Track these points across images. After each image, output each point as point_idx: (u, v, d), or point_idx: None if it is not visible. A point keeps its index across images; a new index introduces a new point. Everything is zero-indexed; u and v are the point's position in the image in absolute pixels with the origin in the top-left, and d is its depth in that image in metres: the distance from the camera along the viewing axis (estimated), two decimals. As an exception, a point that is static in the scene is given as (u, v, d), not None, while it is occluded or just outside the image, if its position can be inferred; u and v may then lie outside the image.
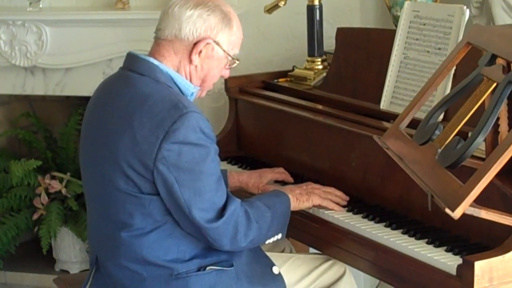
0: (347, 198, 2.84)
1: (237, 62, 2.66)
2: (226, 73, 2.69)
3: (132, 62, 2.57)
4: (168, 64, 2.55)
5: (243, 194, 2.95)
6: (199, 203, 2.43)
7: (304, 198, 2.77)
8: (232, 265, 2.56)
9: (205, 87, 2.65)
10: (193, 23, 2.53)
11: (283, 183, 3.05)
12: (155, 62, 2.53)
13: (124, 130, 2.44)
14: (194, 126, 2.40)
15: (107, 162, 2.48)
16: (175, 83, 2.54)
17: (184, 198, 2.41)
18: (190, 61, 2.56)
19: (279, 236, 2.68)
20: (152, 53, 2.57)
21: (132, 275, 2.53)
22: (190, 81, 2.59)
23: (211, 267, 2.53)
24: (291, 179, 3.05)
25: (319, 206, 2.81)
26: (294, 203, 2.74)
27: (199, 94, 2.65)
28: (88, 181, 2.62)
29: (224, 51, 2.59)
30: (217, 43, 2.57)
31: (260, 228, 2.57)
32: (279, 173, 3.05)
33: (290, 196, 2.73)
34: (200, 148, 2.42)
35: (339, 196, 2.83)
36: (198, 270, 2.52)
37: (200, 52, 2.55)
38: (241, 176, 3.02)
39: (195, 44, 2.54)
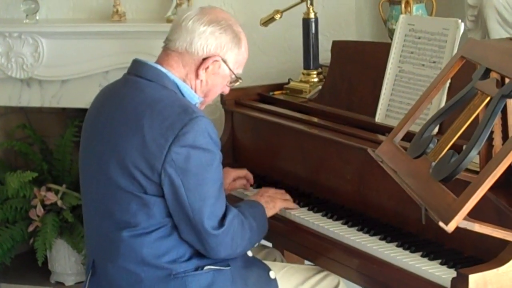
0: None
1: (240, 81, 2.71)
2: (226, 90, 2.74)
3: (140, 68, 2.61)
4: (176, 74, 2.59)
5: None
6: (203, 209, 2.47)
7: (270, 205, 2.85)
8: (228, 265, 2.59)
9: (205, 101, 2.71)
10: (205, 39, 2.58)
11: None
12: (163, 69, 2.58)
13: (134, 133, 2.47)
14: (203, 131, 2.45)
15: (113, 163, 2.50)
16: (180, 91, 2.58)
17: (189, 202, 2.45)
18: (197, 75, 2.60)
19: (256, 245, 2.75)
20: (160, 62, 2.61)
21: (130, 276, 2.54)
22: (195, 93, 2.64)
23: (208, 266, 2.55)
24: (251, 177, 3.13)
25: (285, 209, 2.91)
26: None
27: (199, 107, 2.67)
28: (89, 182, 2.64)
29: (229, 69, 2.64)
30: (225, 61, 2.62)
31: (251, 237, 2.62)
32: (241, 171, 3.12)
33: None
34: (208, 153, 2.47)
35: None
36: (196, 269, 2.54)
37: (207, 68, 2.60)
38: None
39: (204, 59, 2.59)
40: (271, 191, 2.93)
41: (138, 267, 2.52)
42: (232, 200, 2.94)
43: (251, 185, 3.14)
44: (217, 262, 2.57)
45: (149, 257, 2.51)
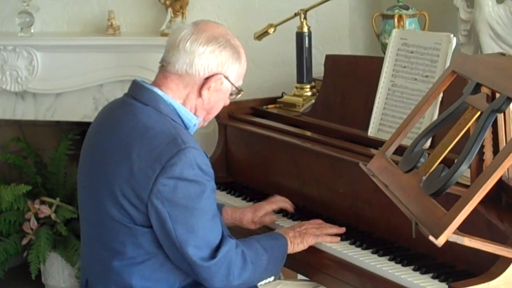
0: (343, 230, 2.81)
1: (241, 93, 2.67)
2: (227, 102, 2.69)
3: (137, 90, 2.56)
4: (175, 97, 2.54)
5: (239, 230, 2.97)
6: (191, 240, 2.42)
7: (298, 240, 2.73)
8: None
9: (208, 118, 2.66)
10: (206, 59, 2.53)
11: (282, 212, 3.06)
12: (160, 92, 2.53)
13: (122, 160, 2.44)
14: (192, 162, 2.40)
15: (103, 190, 2.48)
16: (178, 114, 2.54)
17: (176, 234, 2.41)
18: (199, 95, 2.56)
19: (272, 278, 2.68)
20: (158, 84, 2.56)
21: (121, 302, 2.53)
22: (195, 113, 2.59)
23: None
24: (289, 206, 3.03)
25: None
26: (288, 247, 2.70)
27: (201, 124, 2.65)
28: (84, 205, 2.62)
29: (231, 83, 2.60)
30: (227, 77, 2.58)
31: (255, 270, 2.55)
32: (275, 202, 3.02)
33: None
34: (196, 184, 2.42)
35: (334, 231, 2.81)
36: None
37: (210, 86, 2.55)
38: (234, 214, 2.99)
39: (206, 79, 2.54)
40: (308, 225, 2.79)
41: None
42: (262, 230, 2.93)
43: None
44: None
45: (139, 287, 2.49)
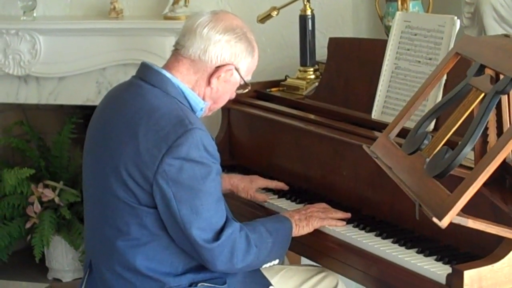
0: (348, 215, 2.80)
1: (249, 87, 2.67)
2: (233, 95, 2.70)
3: (145, 72, 2.57)
4: (184, 81, 2.55)
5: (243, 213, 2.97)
6: (195, 222, 2.42)
7: (304, 223, 2.72)
8: (225, 283, 2.55)
9: (214, 108, 2.66)
10: (221, 47, 2.54)
11: (276, 192, 3.08)
12: (168, 75, 2.53)
13: (129, 140, 2.45)
14: (198, 143, 2.41)
15: (109, 169, 2.48)
16: (185, 97, 2.54)
17: (180, 215, 2.41)
18: (208, 83, 2.56)
19: (276, 261, 2.66)
20: (168, 67, 2.57)
21: (124, 283, 2.53)
22: (203, 99, 2.59)
23: (203, 283, 2.52)
24: (284, 187, 3.07)
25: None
26: (293, 230, 2.70)
27: (205, 113, 2.65)
28: (89, 185, 2.63)
29: (241, 77, 2.61)
30: (237, 69, 2.58)
31: (259, 253, 2.55)
32: (272, 182, 3.06)
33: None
34: (202, 166, 2.42)
35: (339, 216, 2.80)
36: (190, 285, 2.51)
37: (220, 76, 2.56)
38: (232, 179, 3.03)
39: (217, 68, 2.55)
40: (313, 208, 2.79)
41: (133, 276, 2.51)
42: (265, 213, 2.93)
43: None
44: (214, 278, 2.53)
45: (142, 268, 2.49)
